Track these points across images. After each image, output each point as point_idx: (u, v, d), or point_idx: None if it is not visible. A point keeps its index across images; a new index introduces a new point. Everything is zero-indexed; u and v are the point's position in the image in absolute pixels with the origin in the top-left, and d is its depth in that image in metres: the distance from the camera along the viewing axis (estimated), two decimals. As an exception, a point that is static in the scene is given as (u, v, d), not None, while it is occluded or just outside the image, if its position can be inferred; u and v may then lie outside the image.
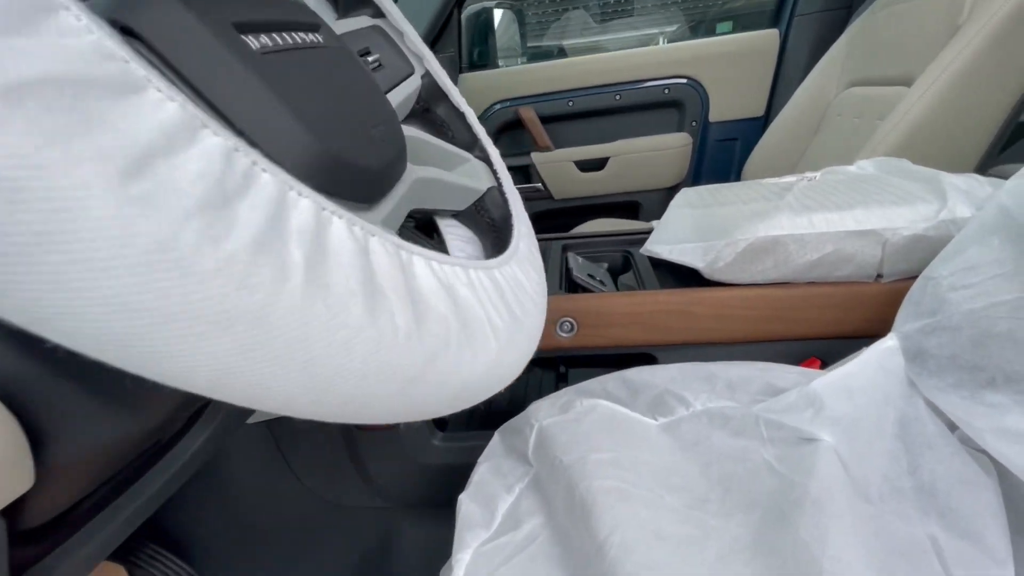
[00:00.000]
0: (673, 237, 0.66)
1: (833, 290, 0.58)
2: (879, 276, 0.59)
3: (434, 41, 1.45)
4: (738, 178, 1.55)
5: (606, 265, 0.84)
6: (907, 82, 0.92)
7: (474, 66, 1.59)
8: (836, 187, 0.64)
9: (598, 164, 1.52)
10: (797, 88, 1.35)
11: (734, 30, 1.56)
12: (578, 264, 0.75)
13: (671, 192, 1.56)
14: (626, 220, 1.41)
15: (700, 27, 1.98)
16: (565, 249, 0.81)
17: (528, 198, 1.59)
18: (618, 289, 0.71)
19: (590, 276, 0.72)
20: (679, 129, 1.51)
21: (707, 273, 0.61)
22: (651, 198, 1.56)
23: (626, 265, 0.79)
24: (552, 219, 1.68)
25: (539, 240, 0.51)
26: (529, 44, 1.93)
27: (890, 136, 0.84)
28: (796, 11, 1.35)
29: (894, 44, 1.00)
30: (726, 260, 0.59)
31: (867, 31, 1.11)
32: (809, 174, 0.72)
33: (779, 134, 1.26)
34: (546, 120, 1.53)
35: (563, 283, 0.71)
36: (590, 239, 0.85)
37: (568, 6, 2.10)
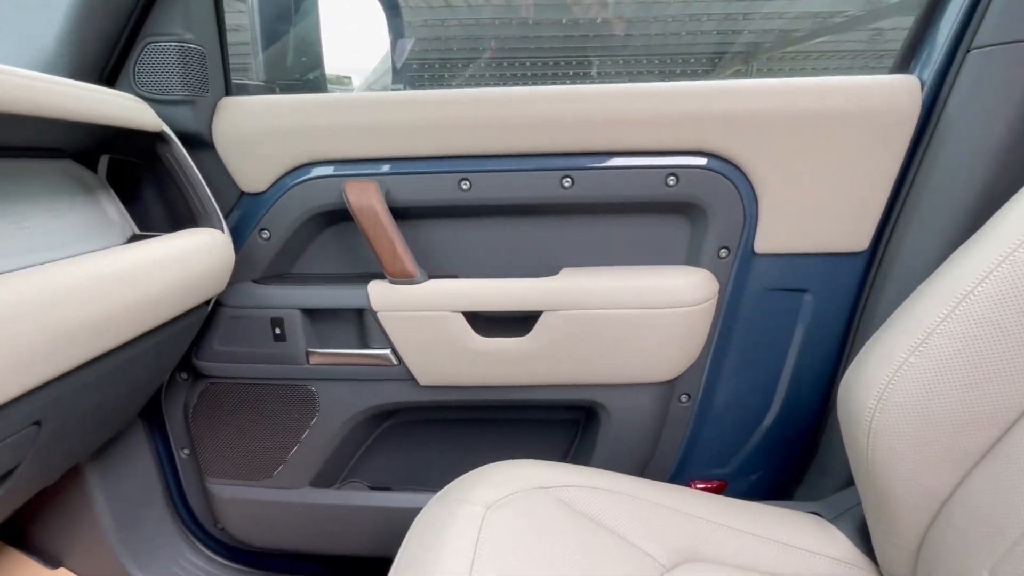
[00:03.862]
0: None
1: None
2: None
3: (144, 12, 0.62)
4: (801, 376, 0.76)
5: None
6: None
7: (275, 87, 0.76)
8: None
9: (517, 323, 0.70)
10: (974, 208, 0.60)
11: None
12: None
13: (667, 389, 0.75)
14: (567, 473, 0.58)
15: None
16: None
17: (360, 378, 0.74)
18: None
19: None
20: (692, 261, 0.72)
21: None
22: (627, 400, 0.74)
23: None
24: (411, 426, 0.83)
25: None
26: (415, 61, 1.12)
27: None
28: (975, 38, 0.60)
29: None
30: None
31: None
32: None
33: (959, 322, 0.47)
34: (408, 215, 0.72)
35: None
36: None
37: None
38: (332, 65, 0.91)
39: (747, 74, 8.42)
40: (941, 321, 0.47)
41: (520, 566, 0.47)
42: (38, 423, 0.45)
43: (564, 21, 6.25)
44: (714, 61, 8.35)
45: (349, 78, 1.42)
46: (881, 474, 0.50)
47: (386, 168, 0.69)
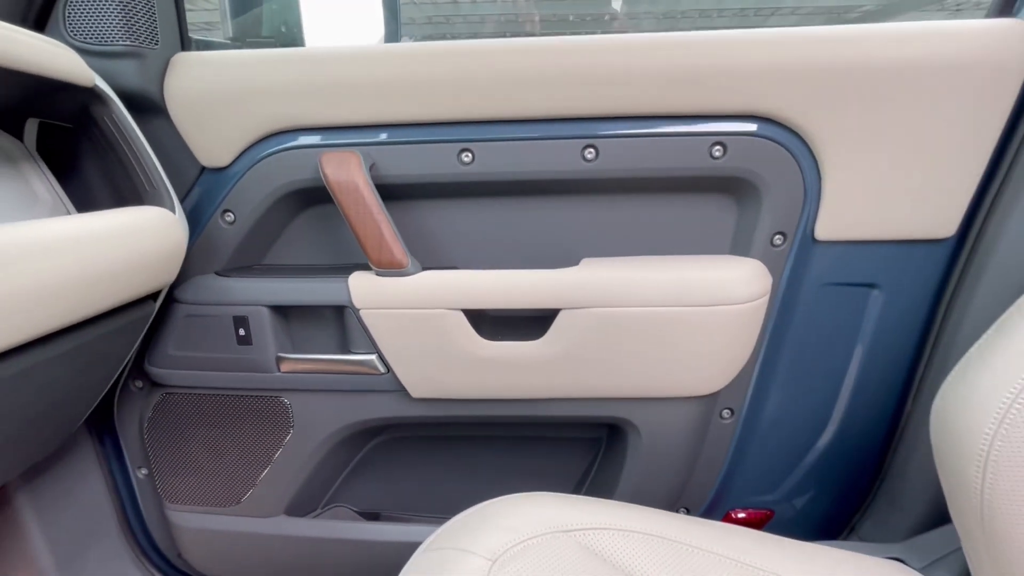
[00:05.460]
0: None
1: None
2: None
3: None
4: (879, 391, 0.64)
5: None
6: None
7: (239, 43, 0.65)
8: None
9: (530, 324, 0.58)
10: None
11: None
12: None
13: (708, 403, 0.63)
14: (592, 507, 0.47)
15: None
16: None
17: (341, 389, 0.62)
18: None
19: None
20: (740, 249, 0.60)
21: None
22: (662, 419, 0.61)
23: None
24: (403, 448, 0.72)
25: None
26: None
27: None
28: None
29: None
30: None
31: None
32: None
33: None
34: (398, 193, 0.60)
35: None
36: None
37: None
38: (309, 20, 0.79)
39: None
40: None
41: None
42: None
43: (571, 18, 6.14)
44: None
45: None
46: (1002, 517, 0.38)
47: (372, 137, 0.57)
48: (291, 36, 0.68)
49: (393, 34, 0.89)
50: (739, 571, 0.45)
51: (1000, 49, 0.51)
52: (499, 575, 0.40)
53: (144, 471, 0.71)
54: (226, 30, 0.65)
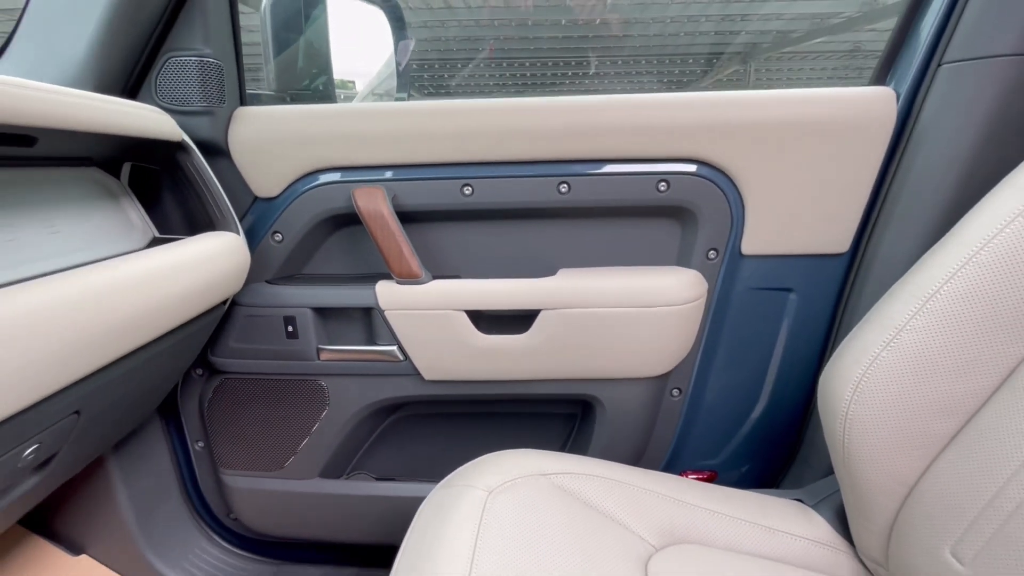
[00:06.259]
0: None
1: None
2: None
3: (167, 25, 0.66)
4: (787, 371, 0.80)
5: None
6: None
7: (285, 97, 0.80)
8: None
9: (516, 321, 0.74)
10: (947, 211, 0.64)
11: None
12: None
13: (659, 383, 0.79)
14: (566, 461, 0.62)
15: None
16: None
17: (368, 373, 0.78)
18: None
19: None
20: (683, 262, 0.76)
21: None
22: (621, 394, 0.78)
23: None
24: (416, 420, 0.87)
25: None
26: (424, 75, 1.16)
27: None
28: (945, 52, 0.64)
29: None
30: None
31: None
32: None
33: (930, 316, 0.51)
34: (414, 218, 0.75)
35: None
36: None
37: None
38: (336, 70, 0.95)
39: (745, 74, 8.46)
40: (911, 318, 0.51)
41: (519, 547, 0.51)
42: (77, 412, 0.49)
43: (563, 22, 6.28)
44: (712, 61, 8.38)
45: (353, 82, 1.46)
46: (856, 461, 0.54)
47: (392, 174, 0.73)
48: (322, 85, 0.83)
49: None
50: (676, 507, 0.61)
51: (874, 110, 0.67)
52: (493, 502, 0.55)
53: (201, 444, 0.86)
54: (270, 84, 0.80)
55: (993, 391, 0.49)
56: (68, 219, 0.58)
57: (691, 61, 8.26)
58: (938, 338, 0.50)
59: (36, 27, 0.63)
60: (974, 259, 0.48)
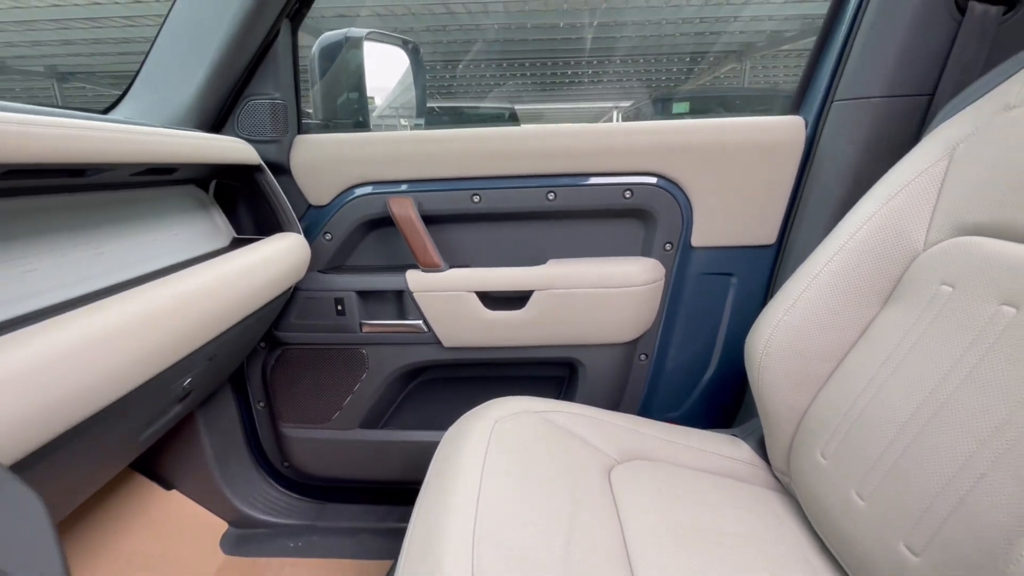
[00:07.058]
0: None
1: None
2: None
3: (247, 76, 0.86)
4: (732, 338, 1.00)
5: None
6: None
7: (329, 125, 1.01)
8: None
9: (515, 299, 0.94)
10: (836, 212, 0.84)
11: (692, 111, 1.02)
12: None
13: (629, 349, 0.99)
14: (553, 404, 0.83)
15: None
16: None
17: (400, 342, 0.99)
18: None
19: None
20: (645, 253, 0.96)
21: None
22: (598, 358, 0.98)
23: None
24: (438, 382, 1.08)
25: None
26: (438, 104, 1.37)
27: None
28: (835, 92, 0.84)
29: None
30: None
31: (997, 136, 0.59)
32: None
33: (816, 289, 0.71)
34: (434, 221, 0.96)
35: None
36: None
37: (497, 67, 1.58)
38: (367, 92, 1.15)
39: (741, 71, 8.62)
40: (803, 291, 0.71)
41: (516, 457, 0.72)
42: (211, 359, 0.69)
43: (561, 24, 6.49)
44: (710, 60, 8.55)
45: (372, 98, 1.67)
46: (766, 399, 0.74)
47: (417, 187, 0.93)
48: (360, 116, 1.04)
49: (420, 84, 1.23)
50: (634, 435, 0.81)
51: (790, 135, 0.87)
52: (498, 428, 0.75)
53: (262, 404, 1.07)
54: (317, 115, 1.01)
55: (855, 342, 0.70)
56: (177, 224, 0.79)
57: (688, 59, 8.43)
58: (820, 305, 0.70)
59: (153, 76, 0.83)
60: (844, 247, 0.68)
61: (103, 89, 9.96)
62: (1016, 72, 0.62)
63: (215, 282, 0.66)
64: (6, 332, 0.40)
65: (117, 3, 5.06)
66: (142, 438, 0.68)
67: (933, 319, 0.60)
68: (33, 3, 5.10)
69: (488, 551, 0.54)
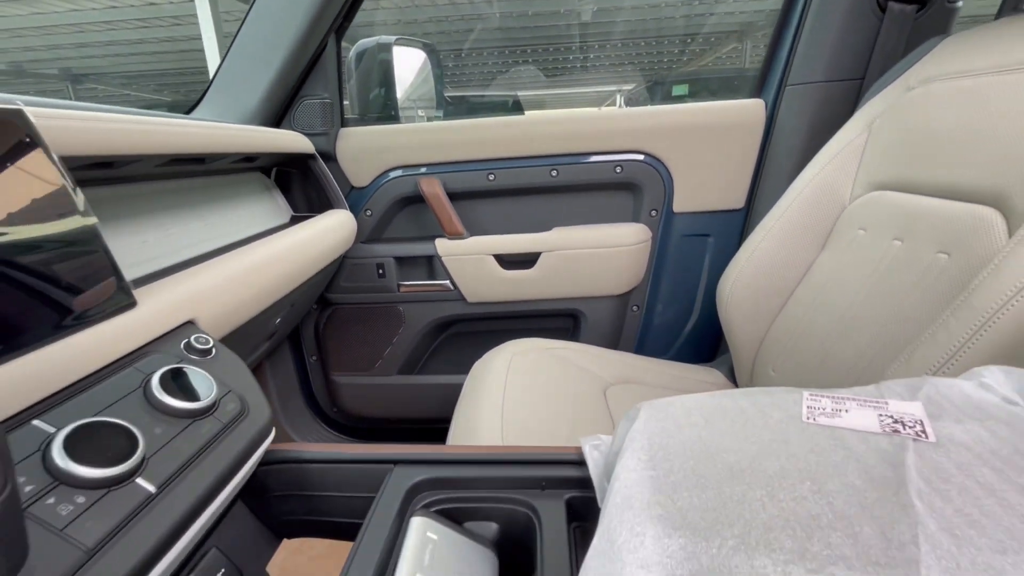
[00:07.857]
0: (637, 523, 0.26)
1: None
2: None
3: (301, 81, 1.04)
4: (710, 289, 1.18)
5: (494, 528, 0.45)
6: (993, 200, 0.58)
7: (365, 118, 1.19)
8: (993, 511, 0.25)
9: (526, 260, 1.13)
10: (790, 178, 1.01)
11: (691, 95, 1.20)
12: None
13: (623, 301, 1.17)
14: (560, 343, 1.01)
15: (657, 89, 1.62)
16: (412, 496, 0.42)
17: (431, 299, 1.18)
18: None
19: None
20: (634, 219, 1.14)
21: None
22: (597, 308, 1.17)
23: (525, 537, 0.41)
24: (463, 334, 1.27)
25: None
26: (450, 93, 1.54)
27: (1008, 312, 0.47)
28: (788, 78, 1.01)
29: (955, 136, 0.65)
30: None
31: (901, 112, 0.77)
32: (912, 424, 0.33)
33: (771, 240, 0.89)
34: (457, 197, 1.14)
35: None
36: (461, 487, 0.44)
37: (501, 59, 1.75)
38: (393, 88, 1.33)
39: (742, 51, 8.66)
40: (761, 240, 0.89)
41: (531, 382, 0.90)
42: (293, 304, 0.89)
43: (562, 11, 6.59)
44: (710, 40, 8.59)
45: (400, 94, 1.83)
46: (732, 331, 0.92)
47: (442, 169, 1.12)
48: (390, 110, 1.22)
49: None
50: (626, 366, 1.00)
51: (752, 115, 1.05)
52: (515, 360, 0.94)
53: (314, 357, 1.26)
54: (354, 110, 1.19)
55: (800, 279, 0.88)
56: (250, 203, 0.98)
57: (689, 41, 8.49)
58: (774, 251, 0.88)
59: (226, 83, 1.01)
60: (791, 206, 0.86)
61: (114, 89, 10.18)
62: (919, 59, 0.79)
63: (300, 243, 0.85)
64: (167, 276, 0.60)
65: (132, 6, 5.24)
66: (248, 361, 0.87)
67: (851, 256, 0.78)
68: (53, 9, 5.30)
69: (512, 431, 0.73)
